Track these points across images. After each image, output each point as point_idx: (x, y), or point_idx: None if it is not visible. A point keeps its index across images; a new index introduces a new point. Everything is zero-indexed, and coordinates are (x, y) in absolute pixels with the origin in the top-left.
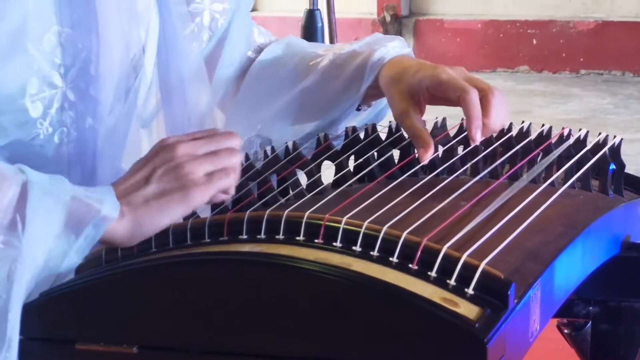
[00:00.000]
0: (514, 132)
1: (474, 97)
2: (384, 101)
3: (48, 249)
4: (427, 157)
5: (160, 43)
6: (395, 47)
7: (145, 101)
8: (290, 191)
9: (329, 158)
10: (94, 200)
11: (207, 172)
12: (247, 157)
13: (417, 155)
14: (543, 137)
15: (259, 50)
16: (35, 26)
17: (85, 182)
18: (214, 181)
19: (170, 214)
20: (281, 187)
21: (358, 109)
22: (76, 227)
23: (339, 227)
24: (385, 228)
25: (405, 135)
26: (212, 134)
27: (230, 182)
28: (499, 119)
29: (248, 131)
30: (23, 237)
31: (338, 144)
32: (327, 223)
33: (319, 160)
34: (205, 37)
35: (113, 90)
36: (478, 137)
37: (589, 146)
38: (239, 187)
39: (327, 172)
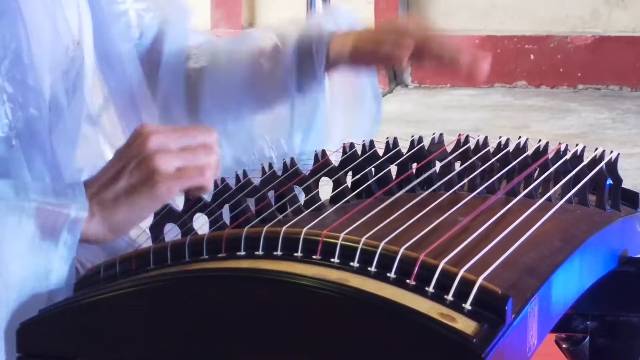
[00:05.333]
0: (510, 148)
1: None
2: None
3: (22, 263)
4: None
5: (97, 40)
6: (345, 19)
7: (91, 99)
8: (288, 207)
9: (327, 174)
10: (61, 206)
11: (178, 167)
12: (244, 174)
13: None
14: (540, 152)
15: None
16: None
17: (50, 172)
18: (184, 177)
19: (139, 210)
20: (279, 204)
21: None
22: (51, 236)
23: (336, 243)
24: (382, 244)
25: (403, 151)
26: (189, 127)
27: (203, 181)
28: None
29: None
30: None
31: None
32: (324, 239)
33: (316, 177)
34: (136, 35)
35: (50, 80)
36: None
37: (585, 161)
38: (236, 204)
39: (325, 188)
